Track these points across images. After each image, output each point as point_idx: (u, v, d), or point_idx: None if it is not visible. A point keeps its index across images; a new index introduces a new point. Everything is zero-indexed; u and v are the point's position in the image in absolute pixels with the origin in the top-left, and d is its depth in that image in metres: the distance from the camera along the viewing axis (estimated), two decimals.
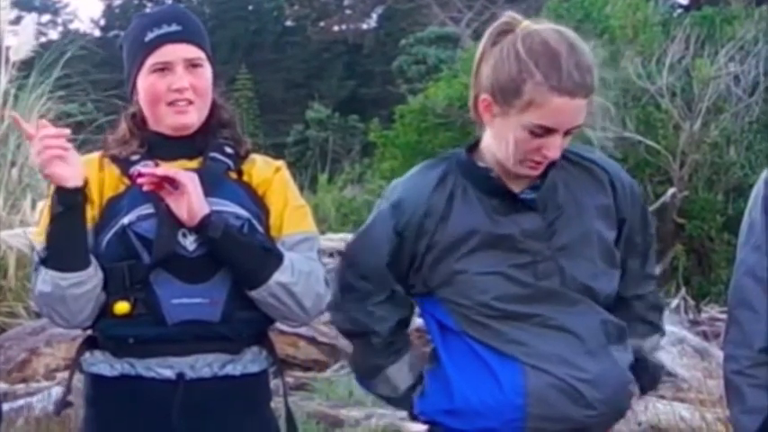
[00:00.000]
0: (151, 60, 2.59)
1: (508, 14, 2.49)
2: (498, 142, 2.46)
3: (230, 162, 2.64)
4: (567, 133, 2.41)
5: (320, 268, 2.62)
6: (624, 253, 2.57)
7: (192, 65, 2.60)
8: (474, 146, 2.57)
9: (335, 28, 39.04)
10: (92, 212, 2.58)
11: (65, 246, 2.50)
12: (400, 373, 2.61)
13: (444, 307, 2.51)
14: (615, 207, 2.54)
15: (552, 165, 2.49)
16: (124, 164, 2.62)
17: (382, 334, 2.58)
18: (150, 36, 2.60)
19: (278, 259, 2.53)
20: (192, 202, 2.49)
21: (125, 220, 2.53)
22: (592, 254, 2.49)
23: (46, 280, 2.50)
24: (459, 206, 2.49)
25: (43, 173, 2.48)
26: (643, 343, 2.61)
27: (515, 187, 2.49)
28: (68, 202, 2.47)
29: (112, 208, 2.57)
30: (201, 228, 2.50)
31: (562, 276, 2.46)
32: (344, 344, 8.00)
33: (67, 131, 2.51)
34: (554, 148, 2.40)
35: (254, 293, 2.54)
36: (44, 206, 2.66)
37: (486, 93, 2.44)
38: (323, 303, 2.61)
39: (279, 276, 2.52)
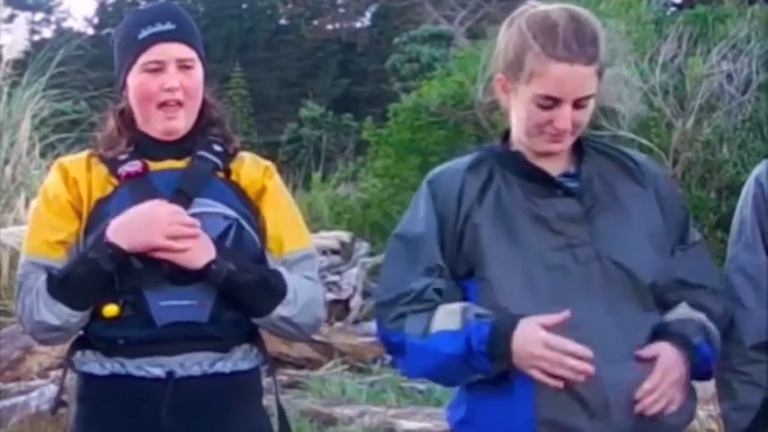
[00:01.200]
0: (144, 59, 2.59)
1: (530, 2, 2.53)
2: (516, 120, 2.50)
3: (218, 160, 2.65)
4: (577, 106, 2.42)
5: (320, 291, 2.68)
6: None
7: (185, 66, 2.61)
8: (506, 136, 2.59)
9: (329, 26, 38.95)
10: (81, 212, 2.60)
11: (91, 291, 2.52)
12: (450, 304, 2.44)
13: (475, 286, 2.47)
14: (654, 195, 2.54)
15: (581, 150, 2.52)
16: (112, 164, 2.62)
17: (419, 289, 2.45)
18: (144, 34, 2.59)
19: (281, 295, 2.57)
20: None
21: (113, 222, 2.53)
22: (630, 239, 2.47)
23: (55, 313, 2.51)
24: (499, 186, 2.49)
25: (171, 247, 2.50)
26: (668, 315, 2.50)
27: (550, 172, 2.51)
28: (119, 262, 2.49)
29: (101, 209, 2.57)
30: (202, 274, 2.52)
31: (600, 261, 2.44)
32: (338, 342, 8.05)
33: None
34: (563, 119, 2.42)
35: (256, 321, 2.60)
36: (37, 209, 2.65)
37: (500, 72, 2.50)
38: (320, 325, 2.69)
39: (281, 311, 2.57)
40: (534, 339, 2.32)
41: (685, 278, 2.53)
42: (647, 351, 2.41)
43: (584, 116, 2.46)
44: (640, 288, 2.46)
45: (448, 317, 2.40)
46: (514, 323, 2.35)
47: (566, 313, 2.33)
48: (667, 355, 2.40)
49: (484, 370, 2.38)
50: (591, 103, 2.46)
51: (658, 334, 2.45)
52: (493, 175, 2.51)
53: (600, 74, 2.44)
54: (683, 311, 2.49)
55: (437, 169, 2.58)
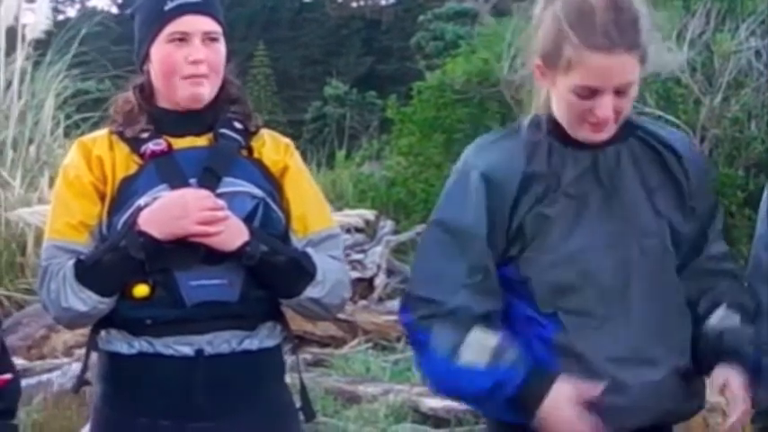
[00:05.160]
0: (169, 29, 2.56)
1: None
2: (557, 108, 2.41)
3: (240, 138, 2.63)
4: (619, 93, 2.34)
5: (345, 271, 2.67)
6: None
7: (210, 38, 2.58)
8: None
9: (353, 4, 38.94)
10: (104, 193, 2.58)
11: (120, 278, 2.51)
12: (485, 333, 2.36)
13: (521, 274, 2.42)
14: (688, 193, 2.47)
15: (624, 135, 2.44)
16: (134, 142, 2.60)
17: (454, 306, 2.39)
18: (170, 5, 2.57)
19: (310, 276, 2.56)
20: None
21: (141, 202, 2.52)
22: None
23: (83, 299, 2.50)
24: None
25: (205, 232, 2.49)
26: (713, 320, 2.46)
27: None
28: (149, 250, 2.48)
29: (127, 188, 2.56)
30: (237, 255, 2.51)
31: (640, 246, 2.42)
32: (362, 320, 8.04)
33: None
34: (604, 107, 2.33)
35: (284, 301, 2.60)
36: (58, 191, 2.63)
37: (539, 58, 2.40)
38: (345, 304, 2.70)
39: (310, 292, 2.56)
40: (565, 415, 2.28)
41: (714, 267, 2.50)
42: (718, 381, 2.39)
43: (627, 103, 2.37)
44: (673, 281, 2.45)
45: (480, 350, 2.34)
46: (550, 383, 2.31)
47: (601, 386, 2.30)
48: (738, 387, 2.38)
49: (502, 411, 2.36)
50: (634, 90, 2.37)
51: (711, 345, 2.43)
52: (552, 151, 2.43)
53: (643, 59, 2.35)
54: (726, 317, 2.44)
55: (490, 159, 2.44)
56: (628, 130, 2.45)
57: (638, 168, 2.45)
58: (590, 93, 2.33)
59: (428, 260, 2.46)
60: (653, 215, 2.43)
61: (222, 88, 2.66)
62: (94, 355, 2.66)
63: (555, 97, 2.41)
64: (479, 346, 2.34)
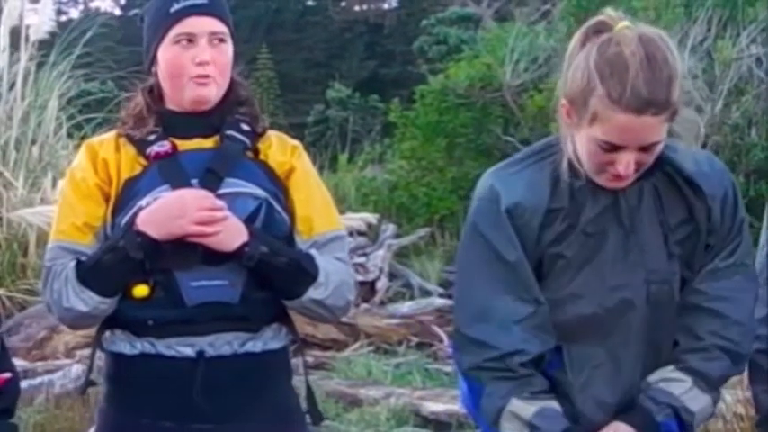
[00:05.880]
0: (175, 31, 2.57)
1: (607, 13, 2.32)
2: (579, 149, 2.35)
3: (246, 140, 2.63)
4: (644, 149, 2.28)
5: (350, 273, 2.66)
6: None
7: (217, 39, 2.59)
8: None
9: (356, 8, 38.89)
10: (109, 194, 2.59)
11: (120, 278, 2.52)
12: (523, 403, 2.40)
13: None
14: (707, 231, 2.43)
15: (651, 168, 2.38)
16: (140, 144, 2.61)
17: (504, 352, 2.40)
18: (176, 7, 2.57)
19: (312, 277, 2.55)
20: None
21: (143, 203, 2.53)
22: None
23: (84, 299, 2.51)
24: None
25: (202, 233, 2.49)
26: (650, 377, 2.46)
27: None
28: (148, 250, 2.48)
29: (130, 189, 2.57)
30: (236, 256, 2.51)
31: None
32: (364, 323, 8.04)
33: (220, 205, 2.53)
34: (625, 164, 2.28)
35: (287, 303, 2.59)
36: (64, 193, 2.65)
37: (565, 98, 2.33)
38: (350, 307, 2.67)
39: (312, 293, 2.56)
40: None
41: (700, 303, 2.44)
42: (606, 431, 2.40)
43: (650, 157, 2.31)
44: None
45: (518, 425, 2.38)
46: None
47: None
48: None
49: None
50: (660, 146, 2.31)
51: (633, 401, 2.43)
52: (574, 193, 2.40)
53: (672, 117, 2.26)
54: (664, 377, 2.43)
55: (514, 194, 2.41)
56: (655, 165, 2.37)
57: (659, 206, 2.41)
58: (612, 147, 2.27)
59: (474, 292, 2.45)
60: (666, 259, 2.41)
61: (230, 90, 2.67)
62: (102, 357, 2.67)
63: (578, 140, 2.35)
64: (517, 420, 2.38)
